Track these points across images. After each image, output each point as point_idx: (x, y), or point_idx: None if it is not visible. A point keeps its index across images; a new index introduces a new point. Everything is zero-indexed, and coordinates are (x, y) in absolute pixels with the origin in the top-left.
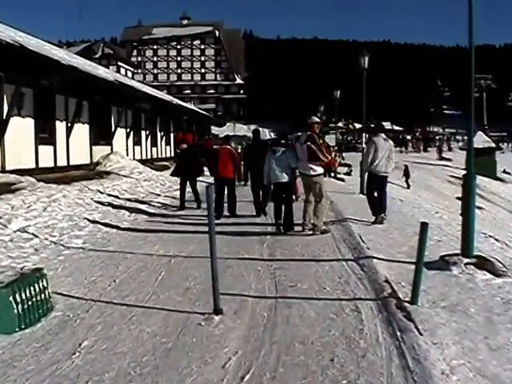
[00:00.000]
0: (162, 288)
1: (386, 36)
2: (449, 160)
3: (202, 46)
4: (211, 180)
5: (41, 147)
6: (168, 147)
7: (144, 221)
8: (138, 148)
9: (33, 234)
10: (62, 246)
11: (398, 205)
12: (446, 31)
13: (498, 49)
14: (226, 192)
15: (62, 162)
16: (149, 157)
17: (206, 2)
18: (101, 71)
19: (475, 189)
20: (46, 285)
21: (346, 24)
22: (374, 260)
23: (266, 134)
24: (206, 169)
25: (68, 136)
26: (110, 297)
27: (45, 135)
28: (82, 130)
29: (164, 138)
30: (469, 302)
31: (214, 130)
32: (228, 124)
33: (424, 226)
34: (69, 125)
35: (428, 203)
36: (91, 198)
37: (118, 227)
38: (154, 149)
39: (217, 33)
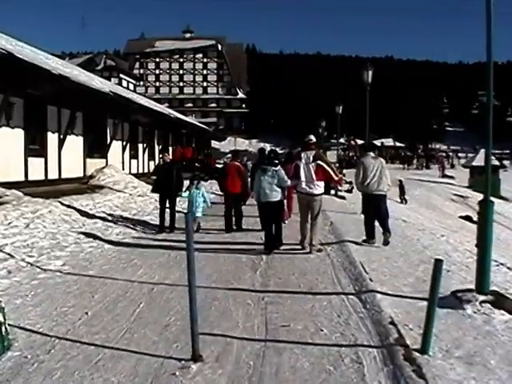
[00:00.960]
0: (138, 324)
1: (389, 52)
2: (451, 178)
3: (205, 60)
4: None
5: (31, 159)
6: None
7: (132, 240)
8: (134, 161)
9: (9, 254)
10: (39, 268)
11: (402, 226)
12: (449, 48)
13: (501, 66)
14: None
15: (53, 175)
16: (146, 171)
17: (209, 16)
18: (96, 82)
19: (493, 217)
20: (2, 320)
21: (348, 40)
22: (378, 295)
23: (267, 149)
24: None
25: (60, 148)
26: (77, 334)
27: (35, 147)
28: (75, 142)
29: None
30: (488, 352)
31: (215, 144)
32: (229, 138)
33: (438, 264)
34: (61, 136)
35: (431, 222)
36: (80, 214)
37: (102, 247)
38: (152, 162)
39: (219, 47)
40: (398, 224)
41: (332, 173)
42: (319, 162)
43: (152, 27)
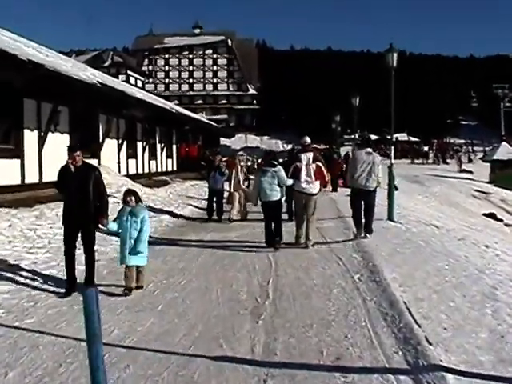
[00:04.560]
0: None
1: (401, 47)
2: (470, 172)
3: (215, 56)
4: None
5: (2, 161)
6: (170, 160)
7: (105, 264)
8: (132, 161)
9: None
10: None
11: (437, 236)
12: (460, 42)
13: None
14: None
15: (32, 179)
16: (146, 171)
17: (219, 11)
18: (88, 74)
19: None
20: None
21: (359, 35)
22: (448, 376)
23: (280, 145)
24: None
25: (41, 148)
26: None
27: (7, 146)
28: (59, 141)
29: (165, 149)
30: None
31: (225, 141)
32: (240, 135)
33: None
34: (42, 134)
35: (455, 222)
36: (50, 227)
37: (60, 278)
38: (153, 162)
39: (229, 42)
40: (431, 233)
41: (326, 173)
42: (318, 163)
43: (161, 23)
